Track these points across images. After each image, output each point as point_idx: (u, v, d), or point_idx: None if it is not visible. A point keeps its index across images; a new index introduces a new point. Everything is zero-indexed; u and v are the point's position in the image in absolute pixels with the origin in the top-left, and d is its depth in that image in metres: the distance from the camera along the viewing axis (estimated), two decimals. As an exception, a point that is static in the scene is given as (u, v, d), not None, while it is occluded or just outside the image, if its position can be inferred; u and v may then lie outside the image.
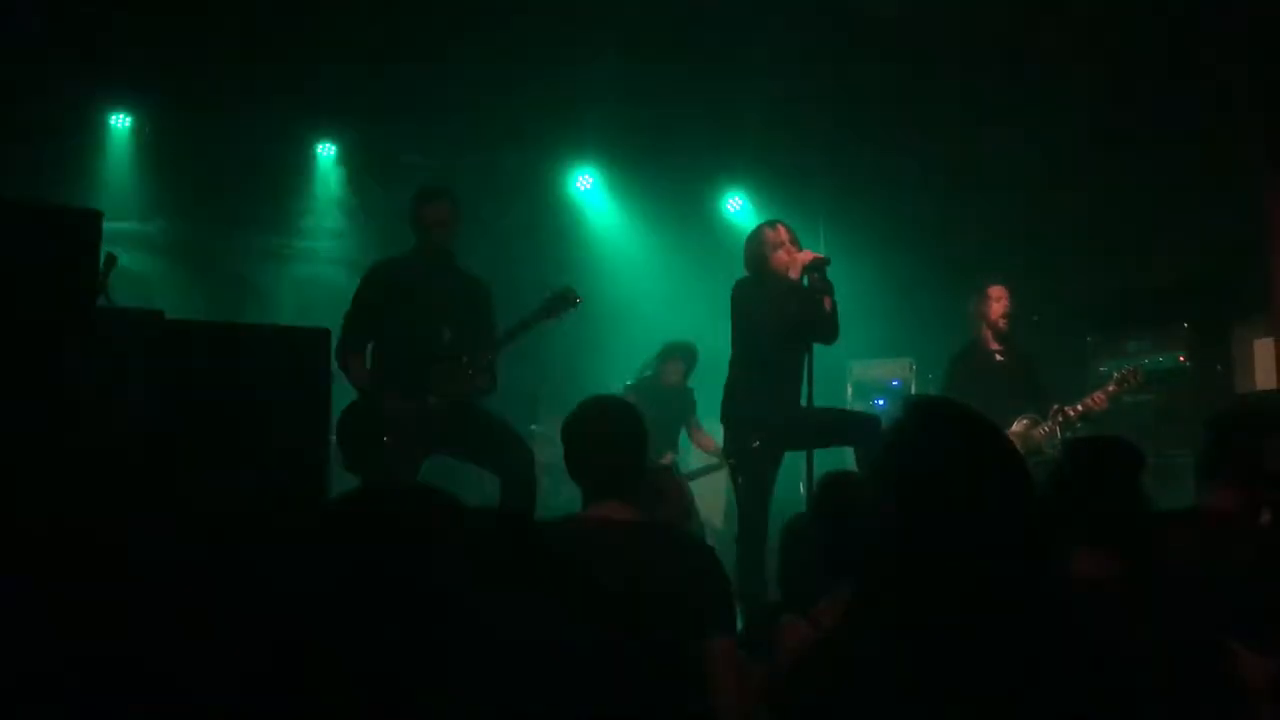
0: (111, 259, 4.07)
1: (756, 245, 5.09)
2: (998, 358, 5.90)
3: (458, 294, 4.88)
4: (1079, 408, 5.72)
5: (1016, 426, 5.72)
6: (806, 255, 4.91)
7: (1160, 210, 6.87)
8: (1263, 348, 6.43)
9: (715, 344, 5.48)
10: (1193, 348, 6.52)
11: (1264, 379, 6.34)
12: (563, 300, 4.78)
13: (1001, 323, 5.87)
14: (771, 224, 5.12)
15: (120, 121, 6.65)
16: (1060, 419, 5.72)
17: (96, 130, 6.55)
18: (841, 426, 5.07)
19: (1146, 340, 6.66)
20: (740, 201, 8.34)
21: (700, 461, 6.92)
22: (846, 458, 5.34)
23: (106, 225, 3.67)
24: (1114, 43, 6.01)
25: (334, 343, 4.75)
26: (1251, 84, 6.20)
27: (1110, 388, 5.74)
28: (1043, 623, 1.61)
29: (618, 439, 2.78)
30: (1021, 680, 1.56)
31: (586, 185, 8.03)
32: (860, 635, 1.66)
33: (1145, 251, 7.01)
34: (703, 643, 2.56)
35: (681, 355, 6.76)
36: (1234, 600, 2.48)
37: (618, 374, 6.79)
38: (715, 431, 6.60)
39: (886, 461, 1.72)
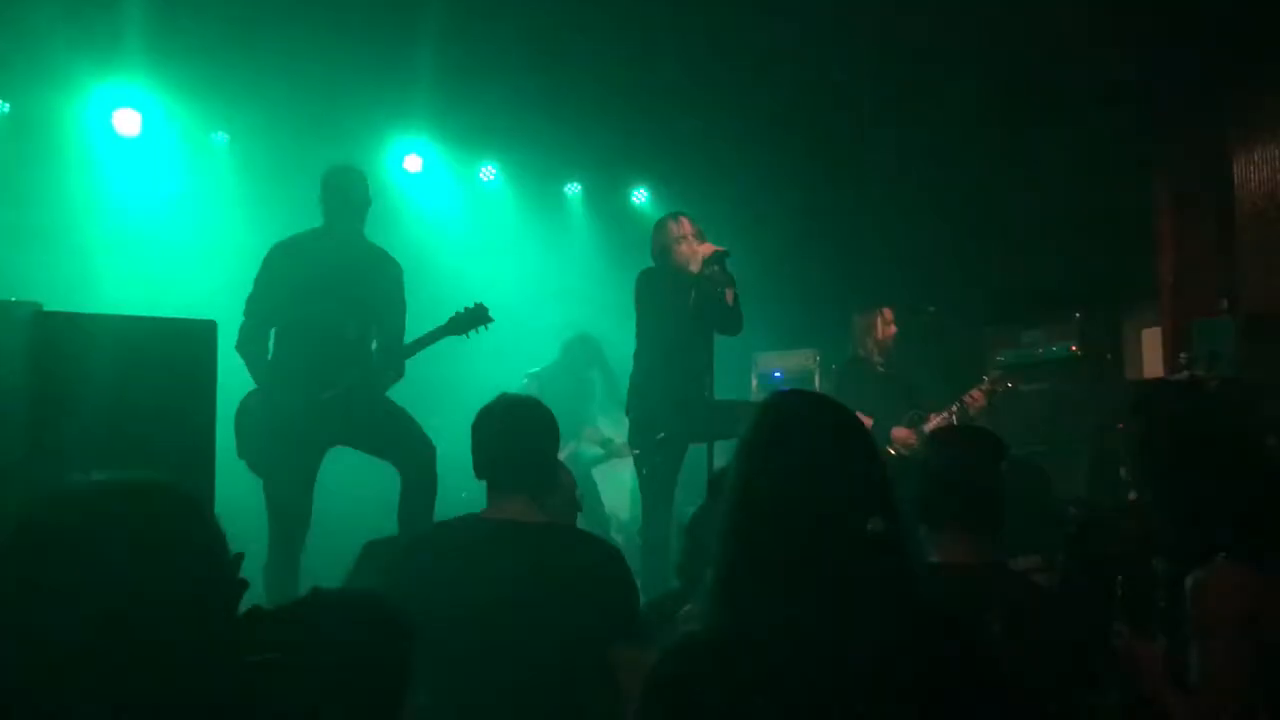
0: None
1: (659, 238, 5.08)
2: (879, 369, 6.23)
3: (365, 279, 4.66)
4: (961, 403, 5.95)
5: (905, 425, 5.95)
6: (707, 248, 4.91)
7: (1053, 206, 7.08)
8: (1150, 336, 6.66)
9: (620, 336, 5.46)
10: (1084, 337, 6.75)
11: (1151, 367, 6.57)
12: (474, 318, 4.63)
13: (889, 343, 6.26)
14: (675, 216, 5.11)
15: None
16: (946, 415, 5.93)
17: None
18: (745, 417, 5.08)
19: (1040, 331, 6.86)
20: (645, 194, 8.33)
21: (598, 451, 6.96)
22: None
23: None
24: (1007, 41, 6.14)
25: (241, 326, 4.54)
26: (1139, 84, 6.41)
27: (984, 387, 6.03)
28: (902, 606, 1.62)
29: (528, 437, 2.73)
30: (883, 667, 1.55)
31: (490, 176, 7.93)
32: (717, 627, 1.64)
33: (1039, 246, 7.22)
34: (611, 649, 2.50)
35: (578, 345, 6.84)
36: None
37: (523, 364, 6.77)
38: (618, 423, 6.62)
39: (743, 456, 1.71)
